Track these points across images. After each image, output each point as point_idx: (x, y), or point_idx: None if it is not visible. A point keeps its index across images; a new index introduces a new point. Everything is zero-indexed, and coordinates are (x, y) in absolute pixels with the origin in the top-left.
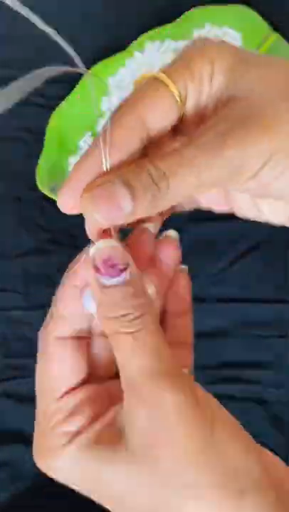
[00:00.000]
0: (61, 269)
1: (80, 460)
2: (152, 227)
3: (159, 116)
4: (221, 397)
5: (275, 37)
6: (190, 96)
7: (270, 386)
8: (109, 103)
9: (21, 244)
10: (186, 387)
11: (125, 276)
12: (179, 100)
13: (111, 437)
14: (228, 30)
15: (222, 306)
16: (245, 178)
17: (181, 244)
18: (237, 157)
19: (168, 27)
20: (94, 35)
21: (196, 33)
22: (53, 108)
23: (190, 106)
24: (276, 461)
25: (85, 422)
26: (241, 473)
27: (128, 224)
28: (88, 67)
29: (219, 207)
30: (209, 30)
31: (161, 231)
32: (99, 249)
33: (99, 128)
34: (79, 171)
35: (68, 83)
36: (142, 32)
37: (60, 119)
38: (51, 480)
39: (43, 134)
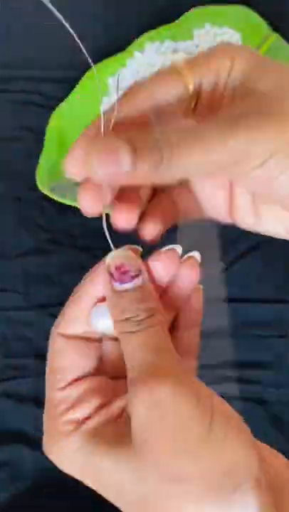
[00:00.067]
0: (61, 269)
1: (83, 447)
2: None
3: (168, 95)
4: (221, 397)
5: (274, 37)
6: (205, 85)
7: (270, 386)
8: (109, 103)
9: (21, 244)
10: (185, 384)
11: (135, 282)
12: (190, 87)
13: (116, 428)
14: (228, 30)
15: (222, 306)
16: (252, 166)
17: (181, 244)
18: (247, 142)
19: (168, 27)
20: (94, 35)
21: (196, 33)
22: (53, 108)
23: (205, 94)
24: (280, 463)
25: (89, 411)
26: (239, 469)
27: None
28: (88, 68)
29: (222, 218)
30: (209, 30)
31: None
32: (113, 256)
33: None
34: (83, 139)
35: (68, 83)
36: (142, 32)
37: (60, 119)
38: (51, 480)
39: (43, 134)
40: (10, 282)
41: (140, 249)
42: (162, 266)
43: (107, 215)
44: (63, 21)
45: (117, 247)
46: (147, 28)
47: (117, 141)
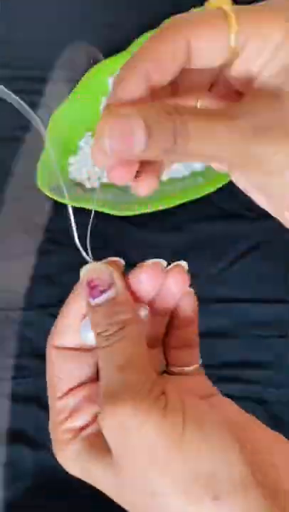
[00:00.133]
0: (61, 269)
1: (80, 455)
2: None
3: (206, 49)
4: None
5: None
6: (247, 52)
7: (270, 386)
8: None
9: (21, 245)
10: (148, 401)
11: (105, 296)
12: (233, 44)
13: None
14: None
15: (222, 306)
16: (266, 171)
17: (181, 244)
18: (262, 156)
19: None
20: (94, 35)
21: None
22: (53, 108)
23: (237, 66)
24: (276, 459)
25: (87, 419)
26: (219, 477)
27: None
28: (88, 68)
29: (217, 166)
30: None
31: (162, 230)
32: (85, 271)
33: None
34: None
35: (68, 83)
36: (142, 32)
37: (60, 119)
38: (51, 480)
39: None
40: (10, 282)
41: (122, 261)
42: (146, 277)
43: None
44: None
45: (100, 259)
46: (147, 28)
47: (133, 119)
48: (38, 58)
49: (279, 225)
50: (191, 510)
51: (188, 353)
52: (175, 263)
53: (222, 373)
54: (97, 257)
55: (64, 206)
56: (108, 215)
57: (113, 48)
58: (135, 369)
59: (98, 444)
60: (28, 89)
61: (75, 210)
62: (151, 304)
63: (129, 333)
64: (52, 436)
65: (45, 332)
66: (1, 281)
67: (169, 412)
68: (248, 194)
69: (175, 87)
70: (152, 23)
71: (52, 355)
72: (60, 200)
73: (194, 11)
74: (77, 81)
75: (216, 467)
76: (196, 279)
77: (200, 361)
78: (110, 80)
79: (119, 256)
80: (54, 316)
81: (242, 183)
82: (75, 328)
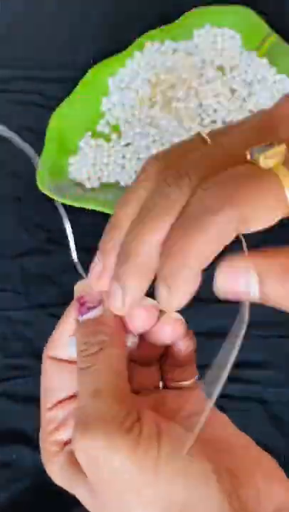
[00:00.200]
0: (61, 269)
1: (64, 470)
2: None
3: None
4: (221, 397)
5: (274, 38)
6: None
7: (270, 386)
8: (109, 103)
9: (21, 244)
10: (120, 434)
11: (91, 314)
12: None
13: None
14: (228, 30)
15: (222, 306)
16: None
17: None
18: None
19: (168, 27)
20: (94, 35)
21: (196, 33)
22: (53, 108)
23: None
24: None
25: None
26: (191, 508)
27: None
28: (88, 68)
29: None
30: (209, 30)
31: None
32: (77, 287)
33: (99, 128)
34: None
35: (68, 83)
36: (142, 32)
37: (60, 119)
38: (51, 480)
39: (43, 133)
40: (10, 282)
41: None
42: (139, 315)
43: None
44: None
45: None
46: (147, 28)
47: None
48: (38, 58)
49: (279, 225)
50: None
51: (184, 370)
52: (171, 314)
53: None
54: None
55: (64, 206)
56: (108, 215)
57: (113, 48)
58: (109, 397)
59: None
60: (28, 89)
61: (76, 210)
62: (143, 334)
63: (107, 357)
64: (41, 445)
65: (45, 332)
66: (0, 281)
67: (142, 440)
68: None
69: None
70: (152, 23)
71: (47, 365)
72: (60, 200)
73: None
74: (77, 81)
75: (191, 498)
76: None
77: (196, 376)
78: (110, 80)
79: None
80: (54, 316)
81: None
82: (67, 341)
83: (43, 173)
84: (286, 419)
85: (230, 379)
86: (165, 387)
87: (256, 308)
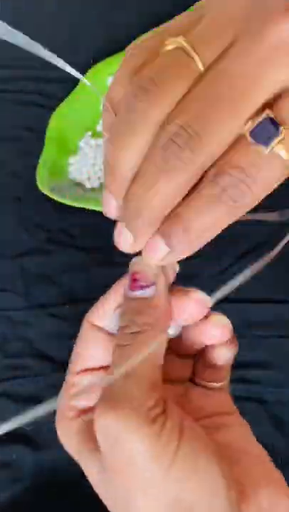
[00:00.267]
0: (61, 269)
1: (75, 438)
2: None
3: None
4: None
5: None
6: None
7: (270, 386)
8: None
9: (21, 244)
10: (145, 420)
11: (141, 293)
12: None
13: None
14: None
15: (222, 306)
16: None
17: None
18: None
19: None
20: (94, 35)
21: None
22: (53, 108)
23: None
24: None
25: (91, 403)
26: (197, 509)
27: None
28: (88, 68)
29: None
30: None
31: None
32: (135, 262)
33: (99, 128)
34: None
35: (68, 83)
36: (142, 32)
37: (60, 119)
38: (51, 480)
39: (43, 133)
40: (10, 282)
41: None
42: (191, 307)
43: None
44: None
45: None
46: (147, 28)
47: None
48: (38, 58)
49: (279, 225)
50: None
51: (217, 372)
52: (219, 317)
53: None
54: (97, 257)
55: (64, 206)
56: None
57: (113, 48)
58: (140, 383)
59: (93, 433)
60: (28, 89)
61: (76, 210)
62: (188, 329)
63: (147, 340)
64: (59, 405)
65: (45, 332)
66: (0, 281)
67: (164, 434)
68: None
69: None
70: (152, 23)
71: (85, 330)
72: (60, 200)
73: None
74: (77, 81)
75: (200, 501)
76: (196, 279)
77: (227, 379)
78: (110, 80)
79: (120, 256)
80: (54, 316)
81: None
82: (110, 313)
83: (43, 173)
84: (286, 419)
85: (231, 379)
86: (192, 381)
87: (256, 308)
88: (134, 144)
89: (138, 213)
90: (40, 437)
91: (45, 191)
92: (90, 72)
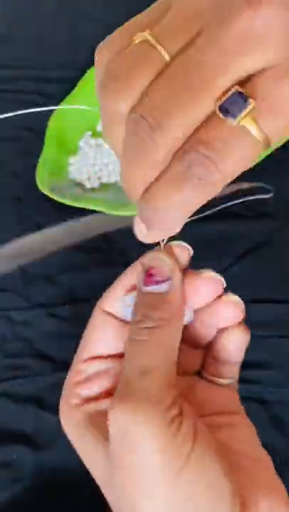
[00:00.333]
0: (61, 269)
1: (78, 428)
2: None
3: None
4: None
5: None
6: None
7: (270, 386)
8: None
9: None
10: (160, 419)
11: (157, 287)
12: None
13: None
14: None
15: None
16: None
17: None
18: None
19: None
20: (94, 35)
21: None
22: None
23: None
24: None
25: (96, 392)
26: None
27: None
28: (88, 68)
29: None
30: None
31: None
32: (149, 256)
33: (99, 128)
34: None
35: (68, 83)
36: None
37: (60, 119)
38: (51, 480)
39: (43, 133)
40: (10, 282)
41: (189, 248)
42: (205, 290)
43: None
44: None
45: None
46: None
47: None
48: (38, 58)
49: (279, 225)
50: None
51: (226, 367)
52: (230, 295)
53: None
54: (97, 257)
55: (64, 206)
56: (108, 215)
57: None
58: (157, 380)
59: (100, 425)
60: (28, 89)
61: (76, 210)
62: (200, 312)
63: (163, 336)
64: (63, 391)
65: (45, 332)
66: (0, 281)
67: (179, 437)
68: None
69: None
70: None
71: (96, 316)
72: (60, 200)
73: None
74: (77, 81)
75: (208, 502)
76: None
77: (236, 377)
78: None
79: (119, 255)
80: (54, 316)
81: None
82: (121, 297)
83: (43, 173)
84: (286, 419)
85: None
86: (199, 374)
87: (256, 308)
88: (112, 138)
89: (138, 205)
90: (40, 437)
91: (45, 191)
92: (90, 72)
